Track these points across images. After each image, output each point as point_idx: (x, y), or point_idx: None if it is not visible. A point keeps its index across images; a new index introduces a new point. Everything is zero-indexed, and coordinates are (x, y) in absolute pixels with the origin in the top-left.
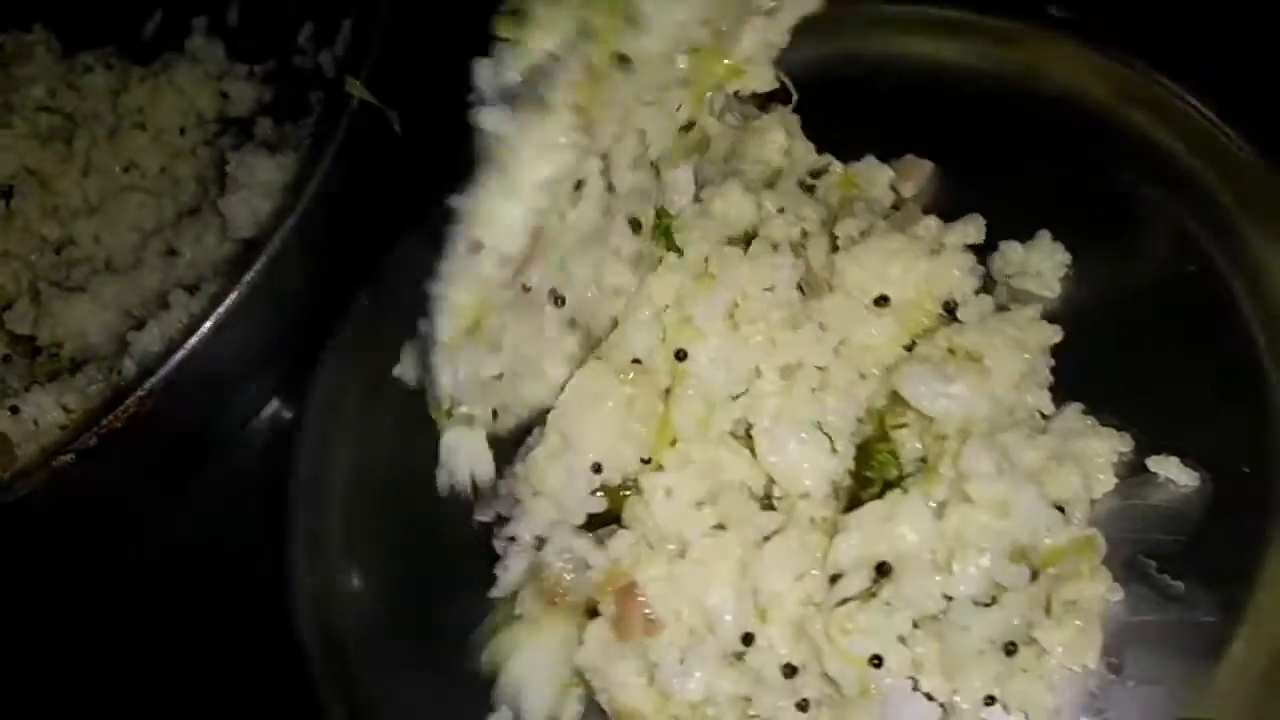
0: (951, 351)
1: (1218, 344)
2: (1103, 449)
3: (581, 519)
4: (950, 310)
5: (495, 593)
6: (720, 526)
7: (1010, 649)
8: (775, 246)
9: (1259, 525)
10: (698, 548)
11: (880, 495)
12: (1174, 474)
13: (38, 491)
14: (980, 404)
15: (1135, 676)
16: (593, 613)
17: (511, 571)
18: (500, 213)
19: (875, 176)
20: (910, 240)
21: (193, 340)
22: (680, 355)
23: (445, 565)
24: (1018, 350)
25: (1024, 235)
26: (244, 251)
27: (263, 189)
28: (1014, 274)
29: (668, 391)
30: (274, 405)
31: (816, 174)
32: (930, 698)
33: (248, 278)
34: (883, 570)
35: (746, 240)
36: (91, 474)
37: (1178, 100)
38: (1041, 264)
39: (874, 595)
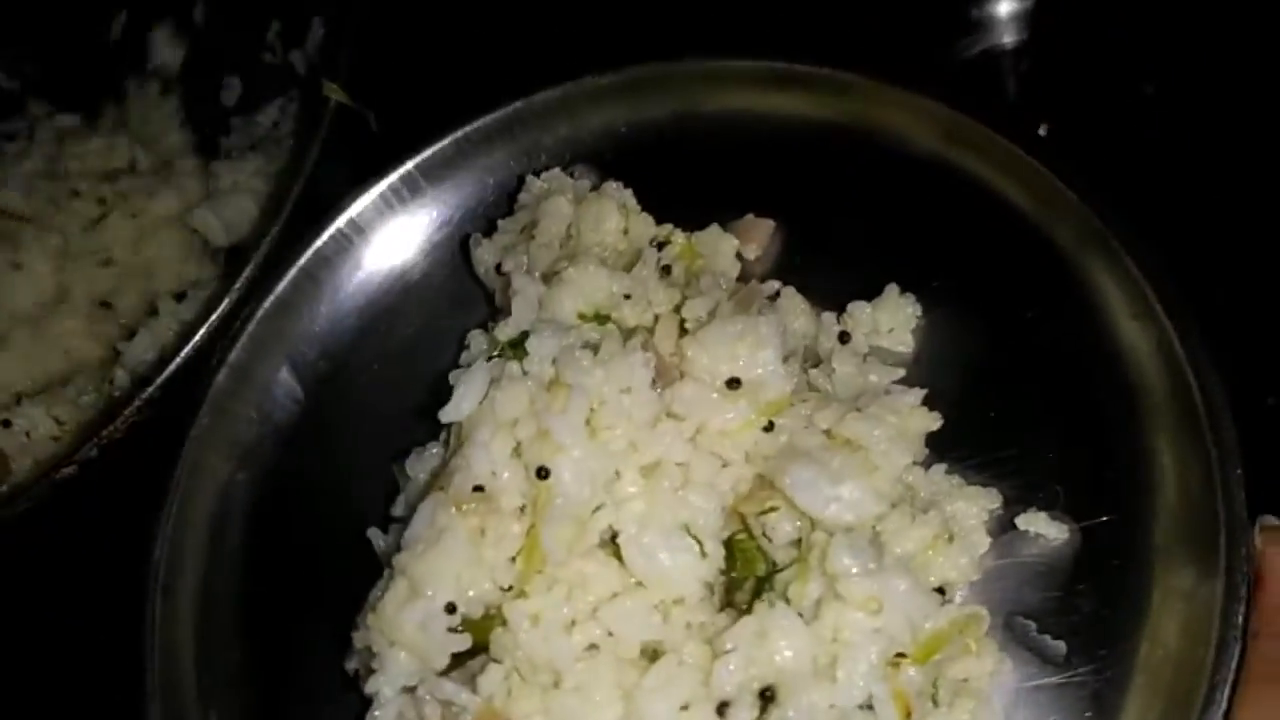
0: (828, 436)
1: (1065, 390)
2: (972, 510)
3: (443, 664)
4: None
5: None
6: (593, 647)
7: None
8: (626, 339)
9: (1131, 575)
10: (572, 675)
11: (755, 593)
12: (1043, 528)
13: (41, 505)
14: (870, 504)
15: None
16: None
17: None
18: None
19: (719, 245)
20: (753, 320)
21: (187, 348)
22: (542, 473)
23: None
24: (900, 439)
25: (873, 291)
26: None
27: (238, 195)
28: (866, 332)
29: (521, 511)
30: None
31: (662, 245)
32: None
33: (239, 283)
34: (767, 696)
35: (592, 339)
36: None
37: (1003, 142)
38: (893, 320)
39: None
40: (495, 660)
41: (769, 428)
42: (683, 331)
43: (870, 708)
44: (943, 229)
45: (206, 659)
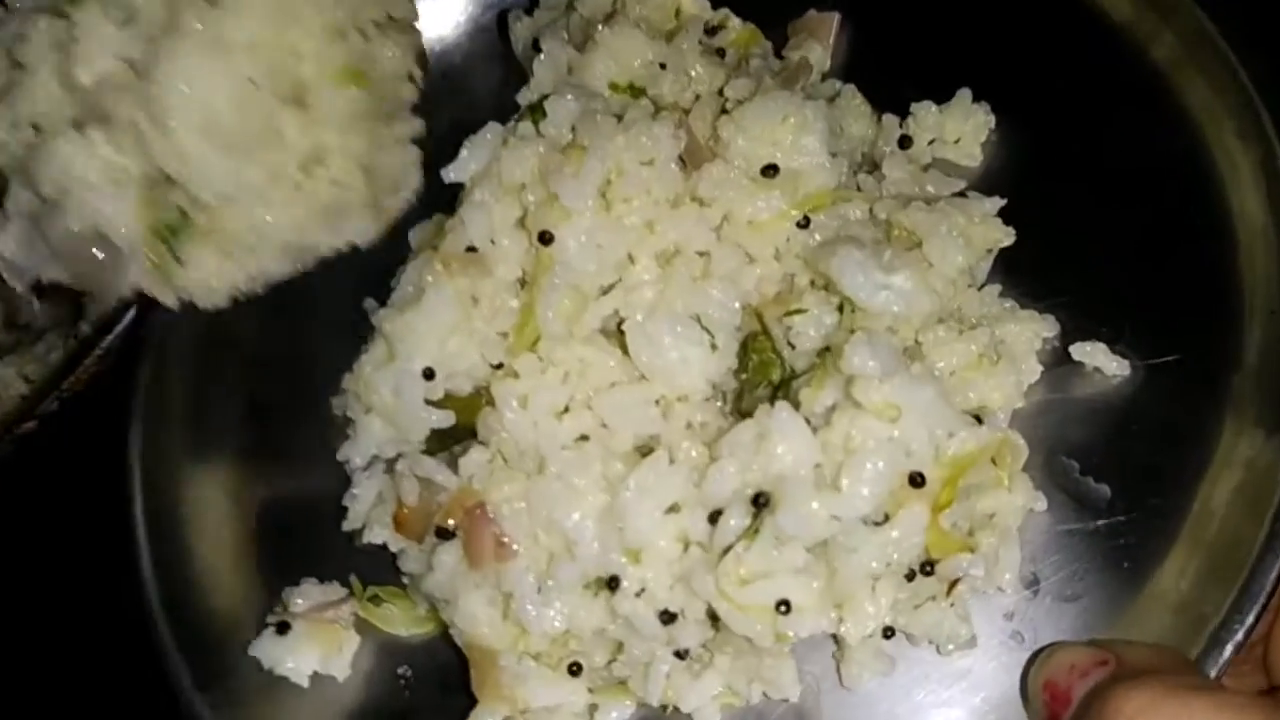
0: (881, 228)
1: (1145, 214)
2: (1025, 334)
3: (420, 435)
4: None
5: (347, 525)
6: (584, 438)
7: (910, 575)
8: (656, 113)
9: (1193, 425)
10: (556, 462)
11: (769, 401)
12: (1101, 362)
13: (6, 461)
14: (922, 299)
15: (1052, 593)
16: (444, 534)
17: (360, 501)
18: None
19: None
20: (800, 98)
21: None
22: (545, 238)
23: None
24: (962, 243)
25: (942, 95)
26: None
27: None
28: (931, 140)
29: (522, 284)
30: None
31: (712, 31)
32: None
33: None
34: (759, 501)
35: (621, 110)
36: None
37: None
38: (961, 128)
39: (757, 531)
40: (480, 443)
41: (804, 223)
42: (722, 114)
43: (876, 524)
44: (1024, 33)
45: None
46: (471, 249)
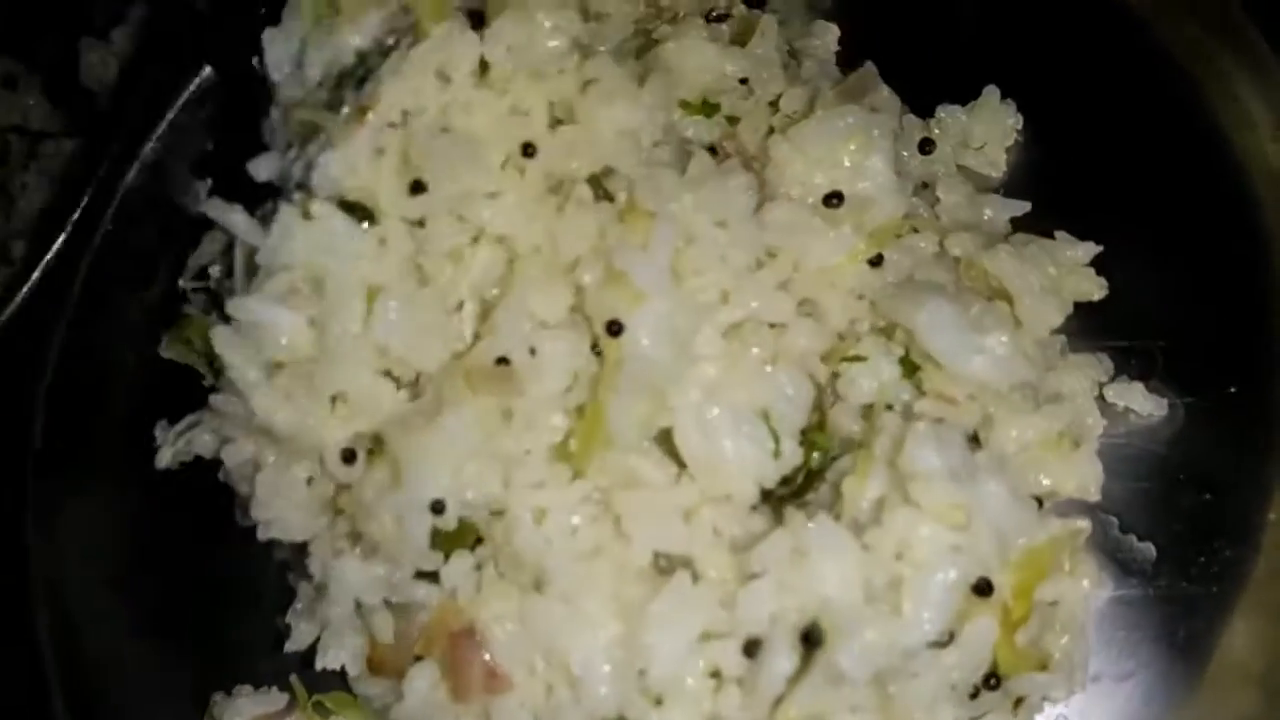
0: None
1: (1177, 227)
2: (1082, 383)
3: (415, 568)
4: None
5: (292, 645)
6: (595, 551)
7: (974, 693)
8: (716, 152)
9: (1247, 465)
10: (561, 579)
11: (801, 490)
12: (1136, 403)
13: None
14: (1020, 366)
15: (1099, 670)
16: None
17: (307, 617)
18: None
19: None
20: (866, 112)
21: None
22: (614, 329)
23: None
24: (1054, 298)
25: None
26: None
27: None
28: (954, 144)
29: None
30: None
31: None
32: None
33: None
34: (811, 639)
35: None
36: None
37: None
38: (988, 132)
39: (807, 669)
40: (464, 549)
41: (876, 261)
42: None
43: (941, 645)
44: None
45: None
46: (503, 360)
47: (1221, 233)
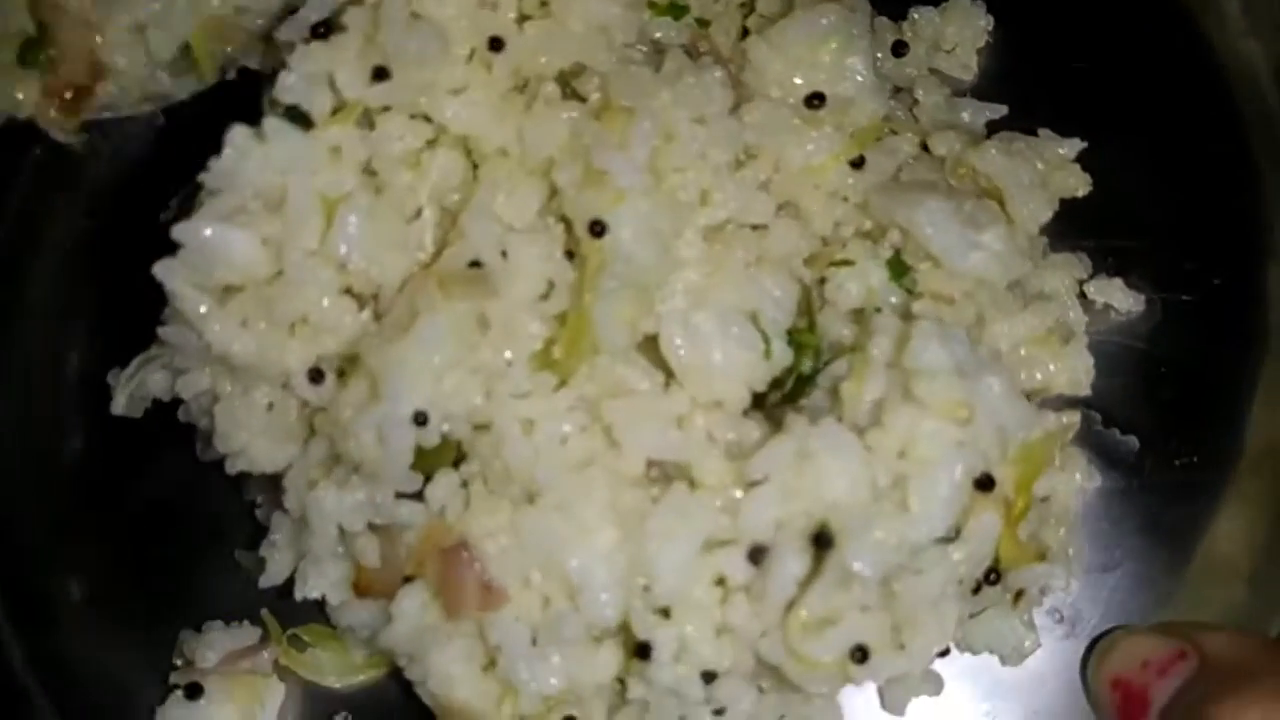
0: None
1: (1155, 119)
2: (1064, 281)
3: (398, 488)
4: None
5: (266, 580)
6: (587, 461)
7: (975, 588)
8: (690, 53)
9: (1230, 357)
10: (555, 490)
11: (793, 395)
12: (1117, 300)
13: None
14: (1014, 261)
15: (1086, 562)
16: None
17: (283, 549)
18: None
19: None
20: (845, 10)
21: None
22: (597, 229)
23: None
24: (1042, 192)
25: None
26: None
27: None
28: (927, 47)
29: (544, 297)
30: None
31: None
32: None
33: None
34: (822, 541)
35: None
36: None
37: None
38: (959, 33)
39: (818, 572)
40: (450, 467)
41: (859, 163)
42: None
43: (948, 541)
44: None
45: None
46: (475, 264)
47: (1195, 130)
